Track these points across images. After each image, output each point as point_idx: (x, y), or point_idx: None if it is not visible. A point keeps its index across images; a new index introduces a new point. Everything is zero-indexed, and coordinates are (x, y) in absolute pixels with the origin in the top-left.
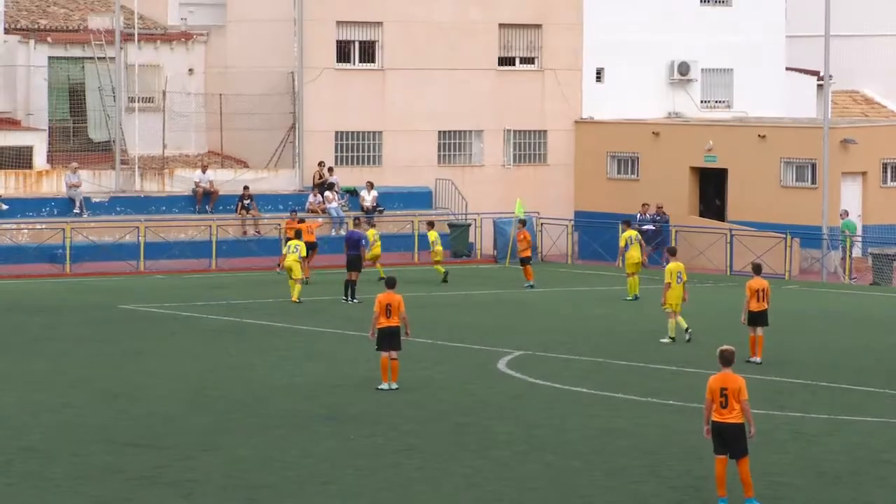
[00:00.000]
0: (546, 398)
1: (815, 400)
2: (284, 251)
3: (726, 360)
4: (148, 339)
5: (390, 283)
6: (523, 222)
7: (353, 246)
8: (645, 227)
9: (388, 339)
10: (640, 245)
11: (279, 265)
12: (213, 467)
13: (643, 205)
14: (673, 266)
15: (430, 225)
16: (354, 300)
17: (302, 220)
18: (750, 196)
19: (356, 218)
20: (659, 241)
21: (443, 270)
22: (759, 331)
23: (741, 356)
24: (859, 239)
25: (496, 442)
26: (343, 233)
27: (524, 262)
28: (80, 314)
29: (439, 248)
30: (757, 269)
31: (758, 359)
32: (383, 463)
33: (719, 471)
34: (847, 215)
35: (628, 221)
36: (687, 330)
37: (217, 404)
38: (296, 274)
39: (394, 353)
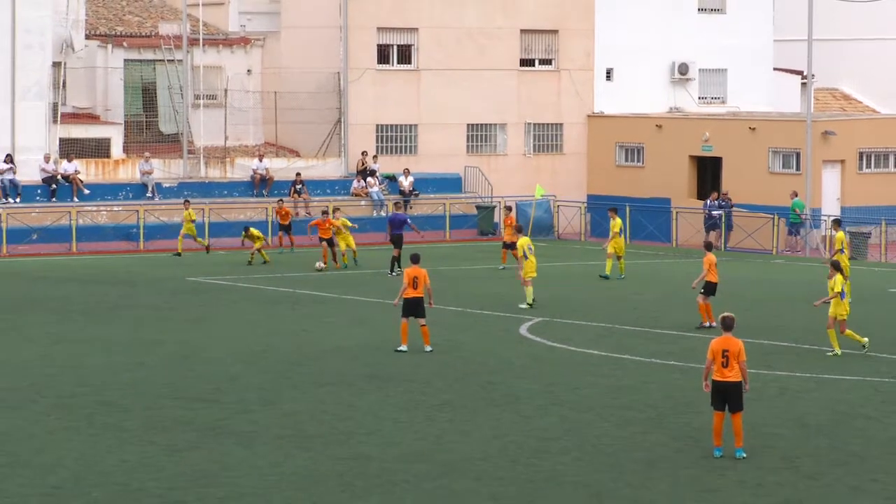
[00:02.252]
0: (562, 359)
1: (800, 361)
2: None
3: (727, 325)
4: (212, 308)
5: (415, 259)
6: (509, 208)
7: (397, 226)
8: (714, 211)
9: (413, 307)
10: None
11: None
12: (270, 419)
13: (712, 192)
14: (523, 241)
15: (519, 230)
16: (394, 273)
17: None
18: (742, 181)
19: (396, 203)
20: (728, 225)
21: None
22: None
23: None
24: (807, 217)
25: (519, 398)
26: (384, 214)
27: (507, 246)
28: (153, 286)
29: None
30: (708, 246)
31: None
32: (419, 416)
33: (717, 424)
34: (796, 195)
35: (615, 209)
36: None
37: (273, 364)
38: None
39: (421, 320)
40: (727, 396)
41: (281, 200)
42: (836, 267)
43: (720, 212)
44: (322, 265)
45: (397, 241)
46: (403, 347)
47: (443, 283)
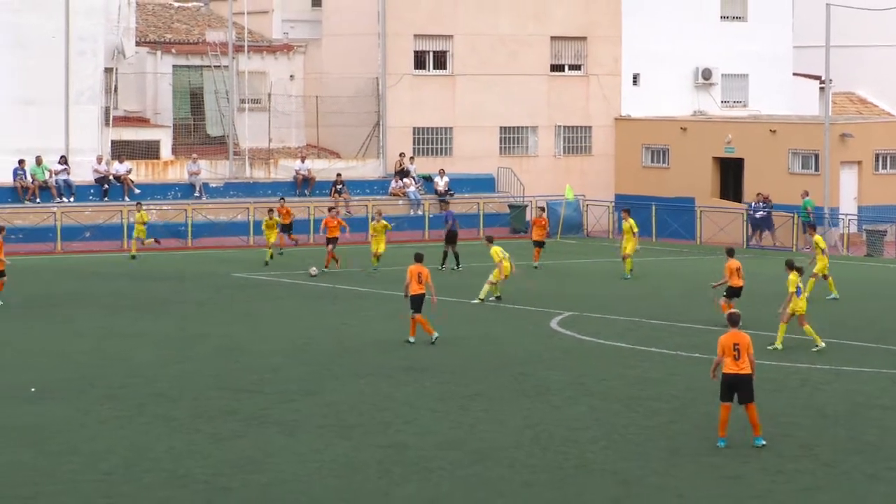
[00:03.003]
0: (591, 352)
1: (820, 353)
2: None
3: (734, 320)
4: (256, 303)
5: (419, 258)
6: (542, 209)
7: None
8: (758, 213)
9: (417, 302)
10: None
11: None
12: (311, 409)
13: (757, 194)
14: (496, 249)
15: (490, 240)
16: (456, 267)
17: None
18: (763, 181)
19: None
20: (769, 225)
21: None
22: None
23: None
24: (826, 215)
25: (549, 389)
26: (420, 213)
27: (537, 244)
28: (200, 281)
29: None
30: (730, 252)
31: None
32: (453, 406)
33: (724, 416)
34: (807, 195)
35: (629, 210)
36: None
37: (315, 356)
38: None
39: (418, 314)
40: (738, 389)
41: (282, 199)
42: (791, 266)
43: (764, 212)
44: (316, 271)
45: (451, 237)
46: (412, 339)
47: (475, 280)
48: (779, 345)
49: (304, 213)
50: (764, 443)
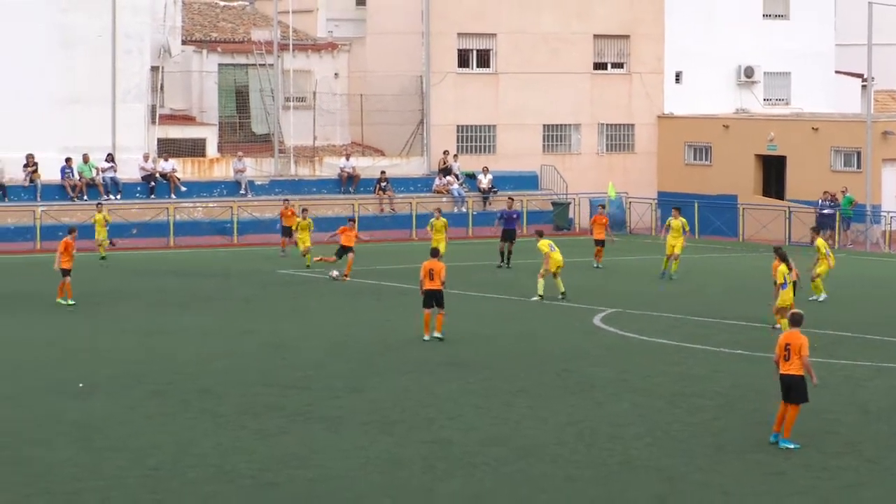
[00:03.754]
0: (634, 348)
1: (863, 350)
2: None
3: (794, 321)
4: (301, 299)
5: (434, 253)
6: (602, 206)
7: (509, 221)
8: (825, 211)
9: (431, 298)
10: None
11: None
12: (356, 405)
13: (824, 192)
14: (544, 242)
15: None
16: (508, 266)
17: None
18: (805, 179)
19: (510, 198)
20: (834, 223)
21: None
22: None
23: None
24: (863, 212)
25: (593, 385)
26: (464, 210)
27: (598, 243)
28: (246, 279)
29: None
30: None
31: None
32: (497, 402)
33: (779, 412)
34: (847, 191)
35: (679, 208)
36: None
37: (358, 353)
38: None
39: (438, 310)
40: (787, 389)
41: (286, 201)
42: (783, 258)
43: (831, 210)
44: (336, 274)
45: (509, 235)
46: (427, 337)
47: (522, 276)
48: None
49: (348, 210)
50: (790, 446)
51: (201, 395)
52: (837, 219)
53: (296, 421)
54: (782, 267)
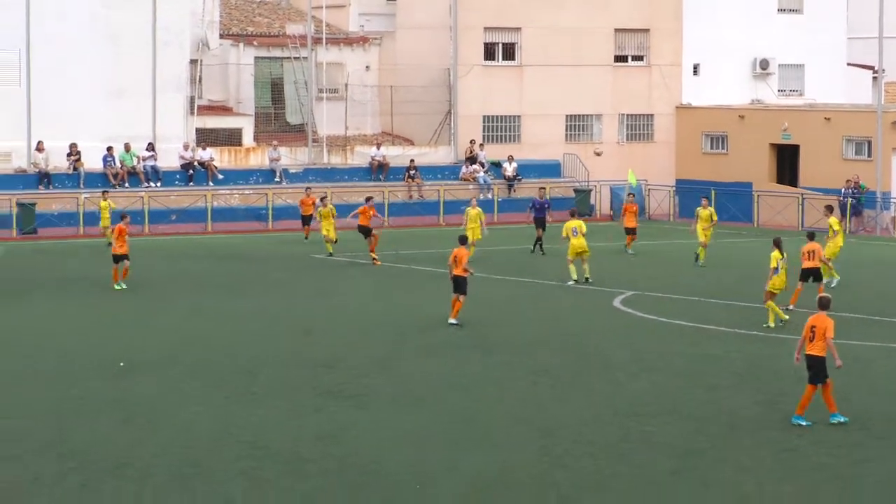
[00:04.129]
0: (652, 330)
1: (872, 331)
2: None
3: (822, 304)
4: (333, 282)
5: (462, 240)
6: (632, 195)
7: (540, 210)
8: (850, 198)
9: (456, 284)
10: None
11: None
12: (384, 384)
13: (847, 180)
14: (568, 225)
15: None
16: (542, 252)
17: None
18: (818, 167)
19: (542, 188)
20: (858, 210)
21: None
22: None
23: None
24: (874, 199)
25: (612, 365)
26: (490, 197)
27: (629, 231)
28: (281, 262)
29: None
30: (810, 235)
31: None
32: (521, 382)
33: (806, 394)
34: (859, 179)
35: (708, 197)
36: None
37: (388, 334)
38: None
39: (461, 296)
40: (810, 369)
41: (308, 189)
42: (777, 245)
43: (854, 198)
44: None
45: (540, 223)
46: (453, 321)
47: (538, 260)
48: (771, 323)
49: (379, 197)
50: (842, 420)
51: (236, 375)
52: (848, 206)
53: (327, 399)
54: (775, 252)
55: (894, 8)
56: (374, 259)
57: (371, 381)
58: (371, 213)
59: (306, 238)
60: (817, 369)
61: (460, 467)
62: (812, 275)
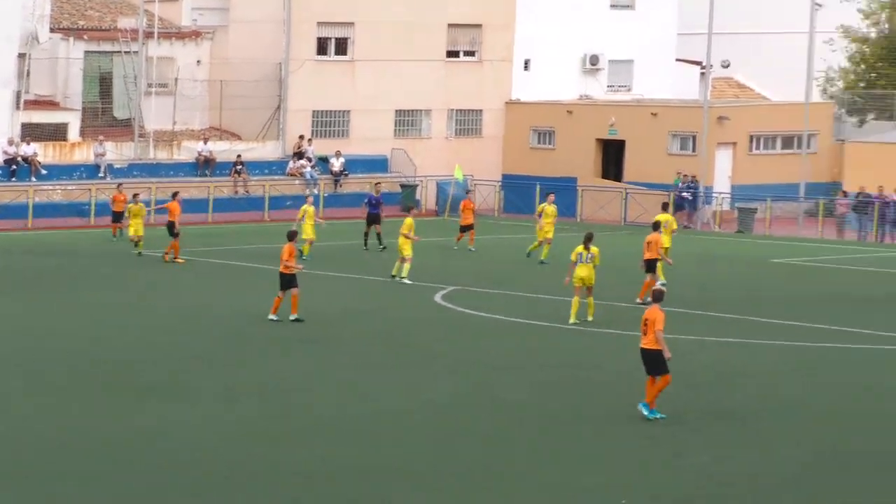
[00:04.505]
0: (475, 325)
1: (689, 325)
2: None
3: (655, 297)
4: (157, 276)
5: (290, 237)
6: (468, 191)
7: (374, 205)
8: (684, 192)
9: (282, 281)
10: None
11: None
12: (206, 379)
13: (683, 175)
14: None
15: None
16: (383, 246)
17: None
18: (643, 162)
19: (377, 183)
20: (694, 206)
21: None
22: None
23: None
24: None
25: (434, 358)
26: (316, 192)
27: (463, 229)
28: (98, 259)
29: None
30: (655, 226)
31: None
32: (344, 375)
33: (647, 388)
34: (679, 175)
35: (553, 193)
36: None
37: (211, 329)
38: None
39: (289, 292)
40: (646, 362)
41: (119, 185)
42: (586, 240)
43: (689, 193)
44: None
45: (373, 219)
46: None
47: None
48: (574, 319)
49: (204, 192)
50: (655, 416)
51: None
52: (671, 200)
53: (149, 396)
54: (579, 248)
55: (724, 5)
56: (175, 258)
57: (192, 377)
58: (177, 208)
59: (114, 237)
60: (653, 362)
61: (283, 462)
62: (650, 266)
